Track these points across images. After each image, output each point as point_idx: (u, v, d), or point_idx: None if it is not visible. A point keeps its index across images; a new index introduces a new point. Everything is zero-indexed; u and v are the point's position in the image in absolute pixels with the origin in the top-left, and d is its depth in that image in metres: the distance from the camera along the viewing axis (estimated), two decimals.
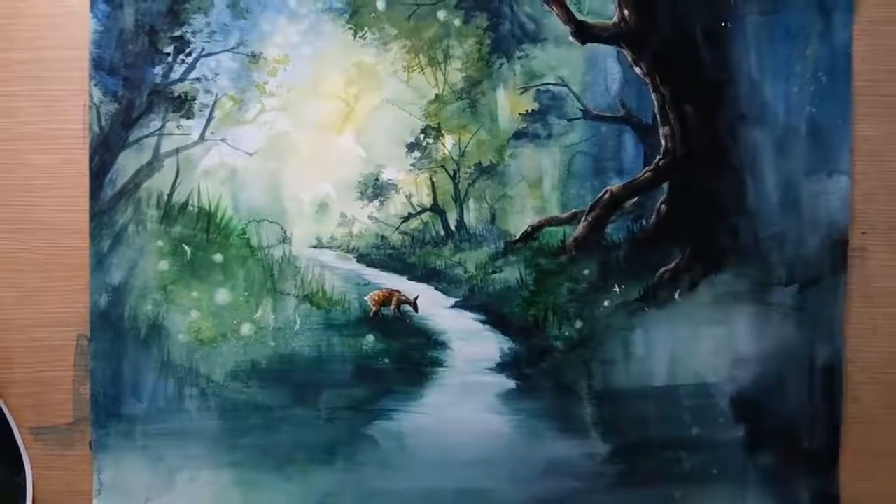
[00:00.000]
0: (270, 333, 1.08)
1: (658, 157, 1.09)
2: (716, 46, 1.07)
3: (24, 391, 1.08)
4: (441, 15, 1.08)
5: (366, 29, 1.08)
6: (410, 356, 1.10)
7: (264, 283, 1.09)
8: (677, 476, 1.08)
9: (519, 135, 1.10)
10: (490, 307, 1.11)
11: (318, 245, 1.10)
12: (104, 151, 1.06)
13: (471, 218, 1.11)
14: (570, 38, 1.08)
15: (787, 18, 1.06)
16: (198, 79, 1.07)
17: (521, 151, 1.10)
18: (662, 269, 1.09)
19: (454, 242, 1.12)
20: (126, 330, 1.07)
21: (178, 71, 1.07)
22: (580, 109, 1.09)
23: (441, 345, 1.11)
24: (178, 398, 1.07)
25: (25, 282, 1.07)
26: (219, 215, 1.08)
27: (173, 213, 1.08)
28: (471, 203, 1.11)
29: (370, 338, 1.09)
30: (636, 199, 1.09)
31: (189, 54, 1.07)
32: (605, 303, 1.09)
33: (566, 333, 1.09)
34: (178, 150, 1.07)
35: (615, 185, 1.09)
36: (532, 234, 1.10)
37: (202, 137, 1.08)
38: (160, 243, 1.08)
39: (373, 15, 1.08)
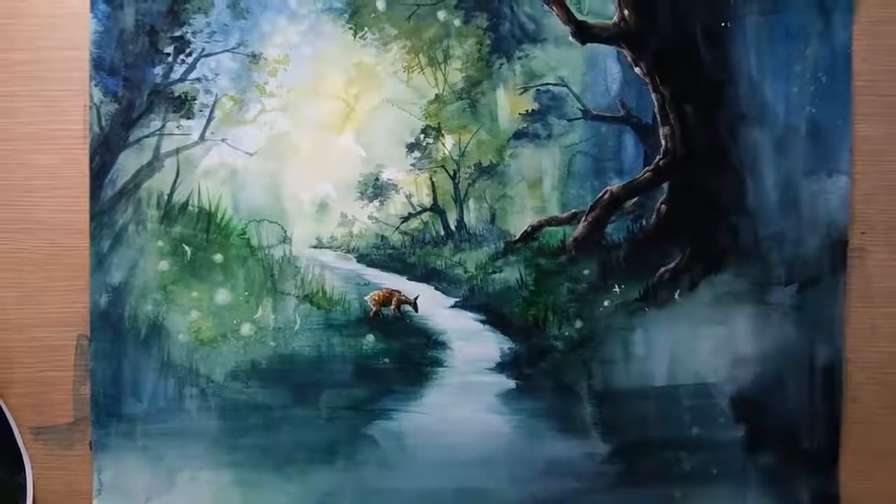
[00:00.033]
0: (270, 333, 1.08)
1: (658, 157, 1.09)
2: (716, 46, 1.07)
3: (25, 391, 1.08)
4: (441, 15, 1.08)
5: (366, 29, 1.08)
6: (410, 356, 1.10)
7: (264, 283, 1.09)
8: (677, 476, 1.08)
9: (519, 135, 1.10)
10: (490, 307, 1.11)
11: (319, 245, 1.10)
12: (104, 151, 1.06)
13: (471, 218, 1.11)
14: (570, 38, 1.08)
15: (786, 18, 1.06)
16: (198, 79, 1.08)
17: (521, 151, 1.10)
18: (662, 269, 1.09)
19: (454, 242, 1.12)
20: (126, 330, 1.07)
21: (179, 71, 1.07)
22: (580, 109, 1.09)
23: (441, 345, 1.11)
24: (178, 398, 1.07)
25: (26, 282, 1.08)
26: (219, 215, 1.08)
27: (173, 213, 1.08)
28: (471, 203, 1.11)
29: (370, 338, 1.09)
30: (636, 199, 1.09)
31: (189, 54, 1.07)
32: (605, 303, 1.09)
33: (566, 333, 1.09)
34: (178, 151, 1.08)
35: (615, 185, 1.09)
36: (532, 234, 1.10)
37: (202, 137, 1.08)
38: (160, 243, 1.08)
39: (373, 15, 1.08)
